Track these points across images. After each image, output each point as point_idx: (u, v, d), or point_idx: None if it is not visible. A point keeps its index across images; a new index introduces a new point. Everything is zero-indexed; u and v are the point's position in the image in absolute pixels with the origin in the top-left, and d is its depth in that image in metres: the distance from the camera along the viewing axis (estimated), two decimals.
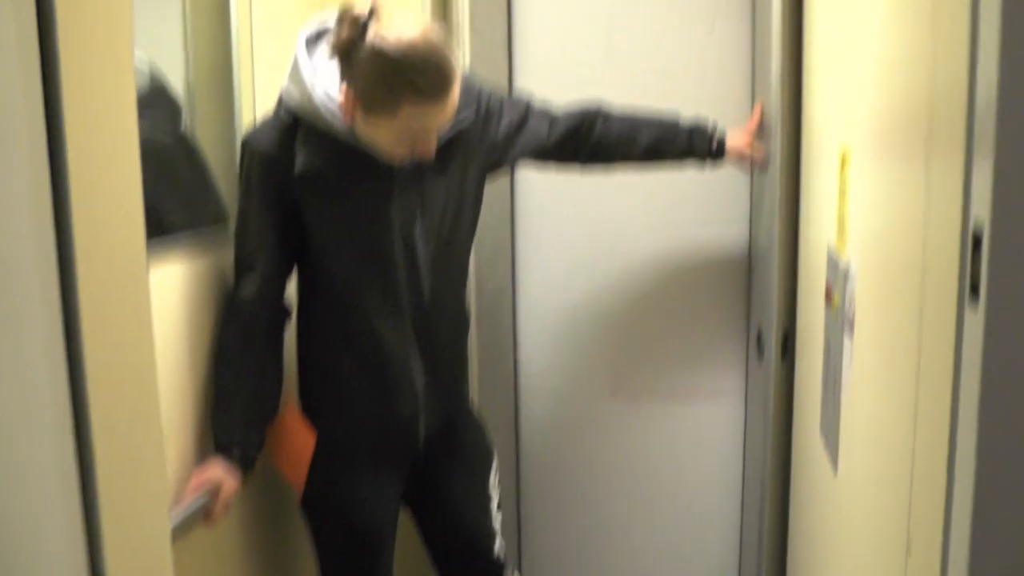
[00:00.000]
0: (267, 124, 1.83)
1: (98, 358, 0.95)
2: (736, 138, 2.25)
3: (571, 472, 2.83)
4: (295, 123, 1.78)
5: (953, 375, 0.83)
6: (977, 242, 0.77)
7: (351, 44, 1.65)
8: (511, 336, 2.79)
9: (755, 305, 2.57)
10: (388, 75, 1.63)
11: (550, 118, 2.10)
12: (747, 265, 2.66)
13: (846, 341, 1.49)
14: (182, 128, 1.90)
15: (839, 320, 1.57)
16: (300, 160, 1.77)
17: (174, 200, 1.82)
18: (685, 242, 2.67)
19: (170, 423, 1.72)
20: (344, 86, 1.71)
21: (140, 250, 1.09)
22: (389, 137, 1.73)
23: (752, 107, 2.48)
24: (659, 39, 2.61)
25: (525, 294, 2.78)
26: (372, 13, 1.65)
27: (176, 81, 1.89)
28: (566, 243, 2.73)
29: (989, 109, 0.76)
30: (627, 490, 2.82)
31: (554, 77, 2.65)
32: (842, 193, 1.57)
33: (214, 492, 1.72)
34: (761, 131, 2.31)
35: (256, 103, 2.08)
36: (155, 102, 1.80)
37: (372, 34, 1.63)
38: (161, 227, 1.71)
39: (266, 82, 2.12)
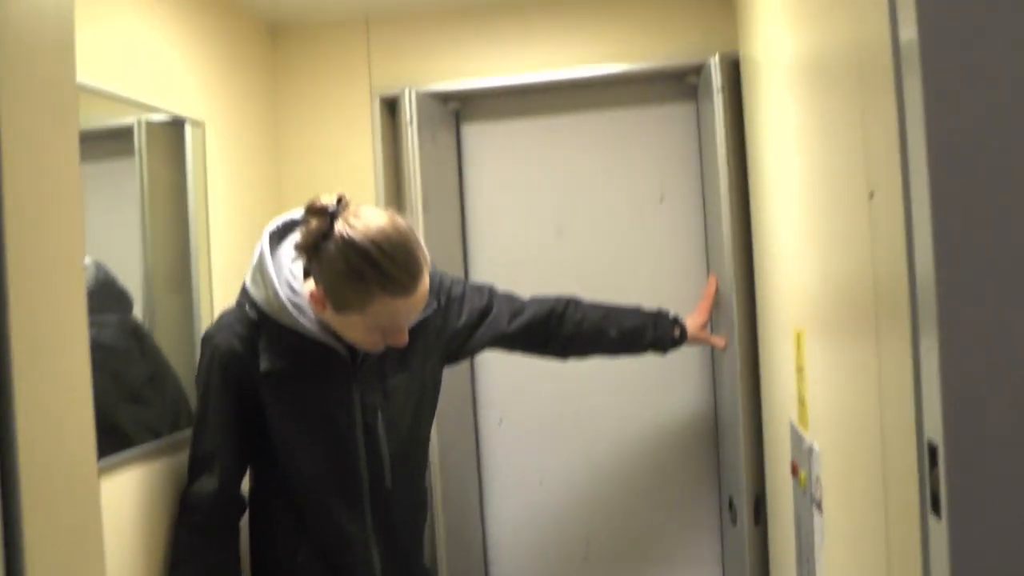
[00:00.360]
0: (230, 320, 1.81)
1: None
2: (695, 320, 2.29)
3: None
4: (259, 319, 1.77)
5: (921, 538, 0.83)
6: (933, 453, 0.79)
7: (319, 236, 1.61)
8: (478, 513, 2.75)
9: (724, 471, 2.56)
10: (358, 268, 1.60)
11: (513, 308, 2.10)
12: (714, 430, 2.66)
13: (816, 518, 1.49)
14: (132, 325, 1.89)
15: (807, 496, 1.57)
16: (264, 358, 1.75)
17: (131, 408, 1.81)
18: (650, 409, 2.68)
19: None
20: (312, 283, 1.70)
21: (91, 469, 1.06)
22: (360, 331, 1.72)
23: (707, 275, 2.56)
24: (610, 211, 2.69)
25: (490, 470, 2.76)
26: (340, 202, 1.64)
27: (135, 279, 1.90)
28: (529, 416, 2.73)
29: (928, 295, 0.79)
30: None
31: (508, 259, 2.71)
32: (800, 370, 1.60)
33: None
34: (717, 303, 2.37)
35: (214, 298, 2.11)
36: (103, 298, 1.80)
37: (340, 224, 1.61)
38: (120, 438, 1.69)
39: (223, 277, 2.15)
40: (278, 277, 1.74)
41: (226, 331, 1.79)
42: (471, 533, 2.71)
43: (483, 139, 2.75)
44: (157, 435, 1.86)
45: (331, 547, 1.88)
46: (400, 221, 1.66)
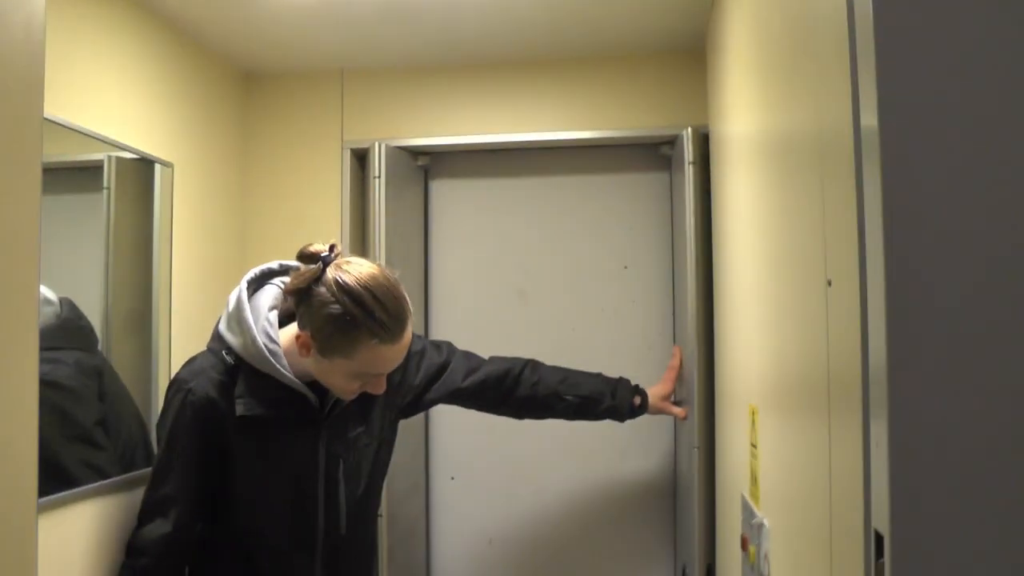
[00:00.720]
0: (204, 366, 1.80)
1: None
2: (658, 391, 2.30)
3: None
4: (236, 365, 1.77)
5: None
6: (880, 542, 0.80)
7: (311, 280, 1.67)
8: (424, 569, 2.72)
9: (680, 539, 2.56)
10: (350, 312, 1.64)
11: (471, 365, 2.12)
12: (673, 497, 2.65)
13: None
14: (94, 364, 1.87)
15: (756, 572, 1.57)
16: (241, 404, 1.75)
17: (79, 448, 1.78)
18: (610, 474, 2.67)
19: None
20: (299, 326, 1.72)
21: (31, 506, 1.05)
22: (341, 376, 1.73)
23: (670, 345, 2.58)
24: (575, 275, 2.71)
25: (439, 525, 2.73)
26: (332, 249, 1.69)
27: (95, 315, 1.89)
28: (483, 474, 2.72)
29: (880, 386, 0.80)
30: None
31: (469, 319, 2.71)
32: (753, 447, 1.61)
33: None
34: (680, 375, 2.39)
35: (172, 340, 2.09)
36: (66, 335, 1.78)
37: (333, 270, 1.66)
38: (65, 479, 1.66)
39: (183, 319, 2.14)
40: (255, 325, 1.75)
41: (201, 377, 1.78)
42: None
43: (451, 196, 2.77)
44: (105, 477, 1.82)
45: None
46: (389, 271, 1.73)
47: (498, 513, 2.71)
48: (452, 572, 2.73)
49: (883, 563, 0.78)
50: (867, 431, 0.85)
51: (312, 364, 1.74)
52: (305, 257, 1.71)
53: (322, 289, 1.66)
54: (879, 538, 0.80)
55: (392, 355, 1.72)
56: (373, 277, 1.67)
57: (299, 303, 1.70)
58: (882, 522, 0.78)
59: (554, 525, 2.69)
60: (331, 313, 1.65)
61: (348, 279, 1.65)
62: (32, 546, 1.06)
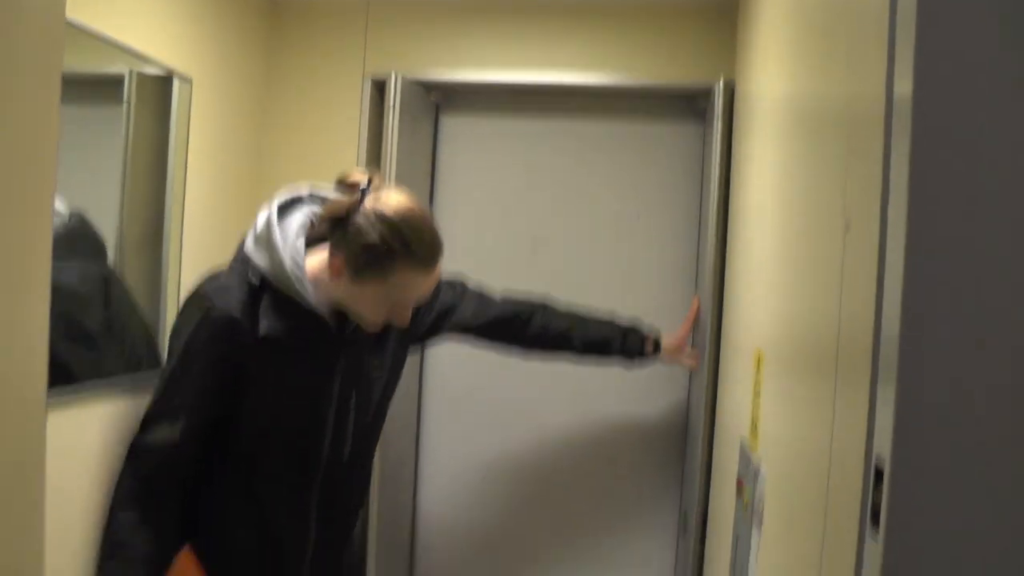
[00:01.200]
0: (227, 284, 1.78)
1: None
2: (672, 339, 2.32)
3: None
4: (261, 286, 1.77)
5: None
6: (879, 475, 0.81)
7: (349, 208, 1.70)
8: (410, 505, 2.73)
9: (686, 483, 2.55)
10: (387, 238, 1.67)
11: (482, 302, 2.16)
12: (683, 442, 2.63)
13: (754, 534, 1.52)
14: (102, 273, 1.88)
15: (748, 513, 1.60)
16: (264, 324, 1.75)
17: (81, 351, 1.80)
18: (613, 416, 2.65)
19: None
20: (331, 251, 1.73)
21: (39, 401, 1.07)
22: (370, 303, 1.75)
23: (686, 294, 2.58)
24: (590, 223, 2.68)
25: (430, 460, 2.73)
26: (371, 182, 1.72)
27: (109, 227, 1.90)
28: (481, 406, 2.69)
29: (892, 345, 0.81)
30: None
31: (474, 260, 2.64)
32: (756, 394, 1.63)
33: None
34: (697, 324, 2.40)
35: (183, 254, 2.10)
36: (74, 245, 1.79)
37: (371, 199, 1.69)
38: (67, 378, 1.68)
39: (194, 234, 2.15)
40: (285, 247, 1.76)
41: (224, 295, 1.77)
42: (401, 526, 2.69)
43: (465, 134, 2.75)
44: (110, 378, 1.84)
45: (272, 518, 1.88)
46: (423, 204, 1.77)
47: (494, 449, 2.69)
48: (442, 507, 2.73)
49: (882, 488, 0.79)
50: (876, 370, 0.86)
51: (342, 289, 1.76)
52: (345, 185, 1.74)
53: (360, 219, 1.68)
54: (879, 471, 0.82)
55: (425, 285, 1.76)
56: (411, 209, 1.71)
57: (334, 230, 1.73)
58: (884, 451, 0.80)
59: (553, 465, 2.68)
60: (370, 242, 1.68)
61: (387, 210, 1.68)
62: (41, 442, 1.08)
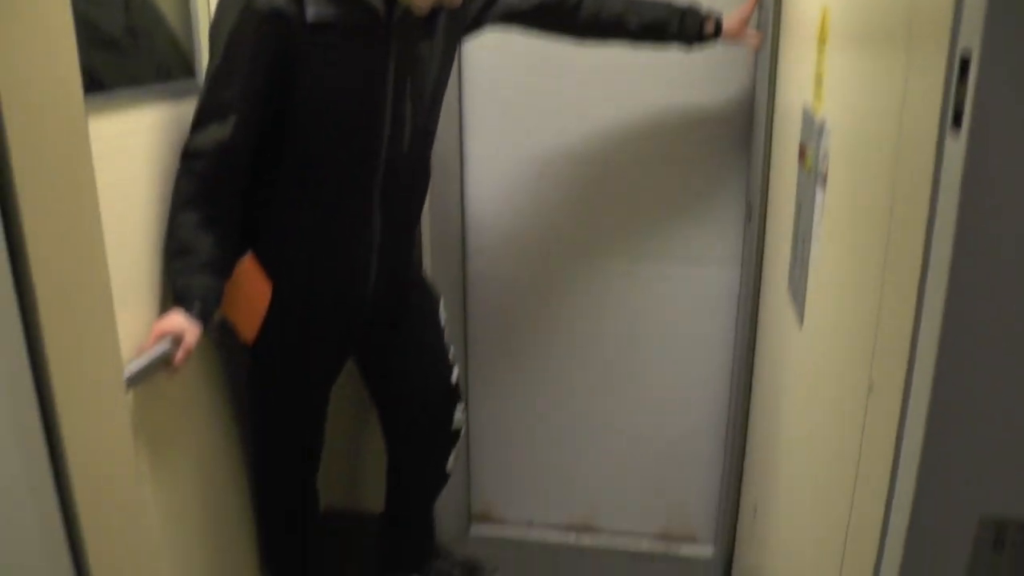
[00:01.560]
0: None
1: (36, 209, 0.92)
2: (734, 17, 2.20)
3: (521, 332, 2.79)
4: None
5: (929, 209, 0.81)
6: (964, 66, 0.73)
7: None
8: (459, 205, 2.69)
9: (751, 171, 2.45)
10: None
11: None
12: (749, 130, 2.49)
13: (818, 195, 1.48)
14: None
15: (812, 176, 1.55)
16: (311, 10, 1.72)
17: (106, 55, 1.73)
18: (680, 99, 2.50)
19: (132, 275, 1.70)
20: None
21: (77, 101, 1.06)
22: None
23: None
24: None
25: (477, 156, 2.66)
26: None
27: None
28: (533, 91, 2.56)
29: None
30: (580, 350, 2.78)
31: None
32: (822, 42, 1.51)
33: (176, 340, 1.70)
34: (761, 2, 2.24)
35: None
36: None
37: None
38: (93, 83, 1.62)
39: None
40: None
41: None
42: (451, 216, 2.65)
43: None
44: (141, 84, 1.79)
45: (335, 223, 1.90)
46: None
47: (546, 145, 2.59)
48: (492, 205, 2.68)
49: (967, 81, 0.72)
50: None
51: None
52: None
53: None
54: (964, 61, 0.74)
55: None
56: None
57: None
58: (973, 38, 0.71)
59: (609, 160, 2.58)
60: None
61: None
62: (85, 142, 1.06)
